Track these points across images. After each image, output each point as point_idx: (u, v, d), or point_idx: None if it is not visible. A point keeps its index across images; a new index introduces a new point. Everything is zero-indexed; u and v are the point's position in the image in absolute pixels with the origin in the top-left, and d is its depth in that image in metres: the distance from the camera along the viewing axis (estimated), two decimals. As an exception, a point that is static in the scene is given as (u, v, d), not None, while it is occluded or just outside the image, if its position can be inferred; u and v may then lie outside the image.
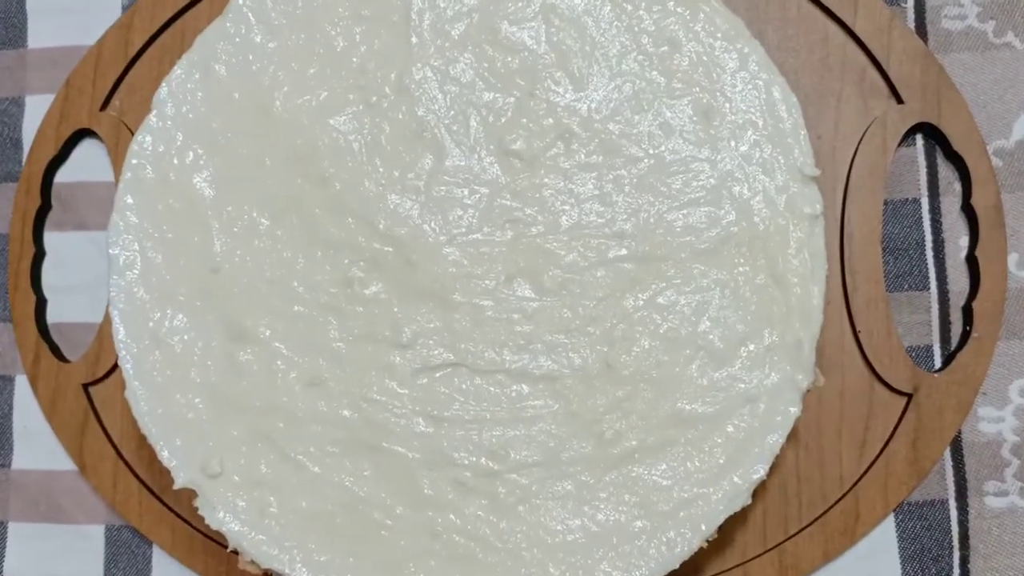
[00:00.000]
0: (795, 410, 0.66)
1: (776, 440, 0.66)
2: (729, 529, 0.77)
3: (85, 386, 0.82)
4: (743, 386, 0.66)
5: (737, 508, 0.66)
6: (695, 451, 0.66)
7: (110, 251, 0.70)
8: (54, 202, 0.85)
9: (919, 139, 0.81)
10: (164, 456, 0.68)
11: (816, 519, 0.76)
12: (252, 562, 0.67)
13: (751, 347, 0.67)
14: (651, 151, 0.68)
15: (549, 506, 0.66)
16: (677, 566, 0.65)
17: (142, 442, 0.81)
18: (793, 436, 0.78)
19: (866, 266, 0.78)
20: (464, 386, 0.68)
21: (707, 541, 0.66)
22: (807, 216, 0.67)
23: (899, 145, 0.80)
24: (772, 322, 0.67)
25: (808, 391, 0.67)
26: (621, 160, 0.68)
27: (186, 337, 0.69)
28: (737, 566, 0.76)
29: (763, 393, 0.66)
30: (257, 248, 0.70)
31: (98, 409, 0.81)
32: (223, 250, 0.70)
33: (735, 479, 0.66)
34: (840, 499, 0.76)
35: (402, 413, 0.68)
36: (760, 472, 0.66)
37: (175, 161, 0.71)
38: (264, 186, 0.70)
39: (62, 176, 0.86)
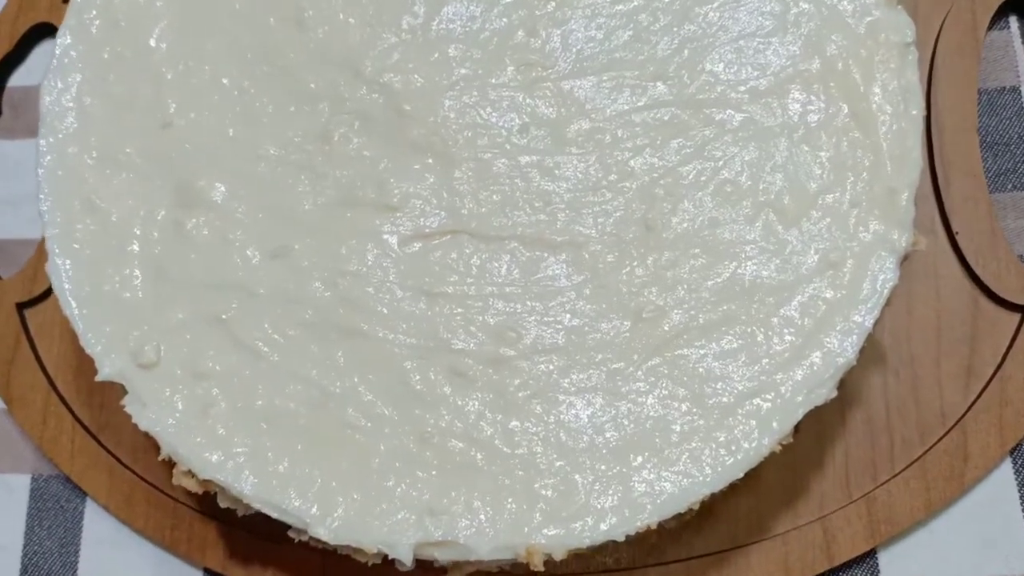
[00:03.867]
0: (890, 276, 0.51)
1: (867, 315, 0.51)
2: (803, 474, 0.61)
3: (20, 307, 0.68)
4: (821, 247, 0.52)
5: (819, 401, 0.50)
6: (761, 330, 0.51)
7: (43, 100, 0.58)
8: (5, 108, 0.74)
9: (1013, 21, 0.68)
10: (87, 340, 0.54)
11: (913, 462, 0.60)
12: (189, 473, 0.52)
13: (829, 199, 0.52)
14: (697, -22, 0.56)
15: (572, 401, 0.51)
16: (740, 475, 0.50)
17: (81, 369, 0.67)
18: (879, 360, 0.62)
19: (961, 157, 0.64)
20: (465, 256, 0.54)
21: (780, 445, 0.50)
22: (895, 45, 0.54)
23: (990, 28, 0.68)
24: (856, 170, 0.53)
25: (906, 258, 0.52)
26: (661, -10, 0.56)
27: (128, 203, 0.56)
28: (814, 521, 0.60)
29: (848, 256, 0.51)
30: (218, 103, 0.57)
31: (33, 335, 0.68)
32: (178, 105, 0.57)
33: (815, 362, 0.50)
34: (943, 437, 0.60)
35: (386, 288, 0.54)
36: (848, 353, 0.50)
37: (127, 3, 0.59)
38: (229, 30, 0.58)
39: (17, 80, 0.75)
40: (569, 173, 0.54)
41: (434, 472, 0.51)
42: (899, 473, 0.60)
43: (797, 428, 0.51)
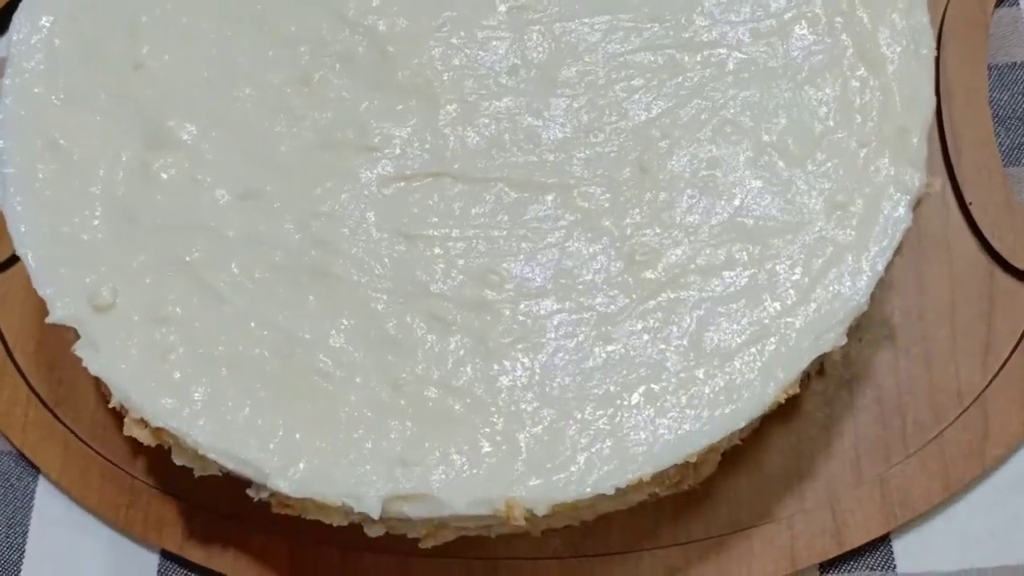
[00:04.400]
0: (903, 217, 0.48)
1: (879, 258, 0.47)
2: (809, 456, 0.56)
3: (-20, 274, 0.65)
4: (828, 187, 0.48)
5: (827, 347, 0.46)
6: (764, 272, 0.47)
7: (10, 39, 0.55)
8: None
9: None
10: (39, 281, 0.50)
11: (929, 441, 0.56)
12: (141, 423, 0.48)
13: (836, 139, 0.49)
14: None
15: (559, 346, 0.47)
16: (741, 425, 0.45)
17: (43, 344, 0.63)
18: (889, 339, 0.58)
19: (973, 128, 0.61)
20: (448, 198, 0.51)
21: (785, 395, 0.46)
22: (903, -12, 0.51)
23: (998, 5, 0.66)
24: (864, 111, 0.49)
25: (919, 202, 0.49)
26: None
27: (93, 143, 0.53)
28: (822, 504, 0.55)
29: (856, 197, 0.48)
30: (193, 46, 0.55)
31: (-7, 303, 0.64)
32: (151, 47, 0.55)
33: (823, 306, 0.46)
34: (960, 415, 0.56)
35: (363, 230, 0.50)
36: (859, 296, 0.47)
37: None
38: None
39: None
40: (560, 115, 0.51)
41: (408, 422, 0.47)
42: (914, 454, 0.56)
43: (804, 383, 0.47)
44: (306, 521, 0.52)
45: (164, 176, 0.52)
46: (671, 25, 0.52)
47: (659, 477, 0.47)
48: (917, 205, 0.49)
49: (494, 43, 0.53)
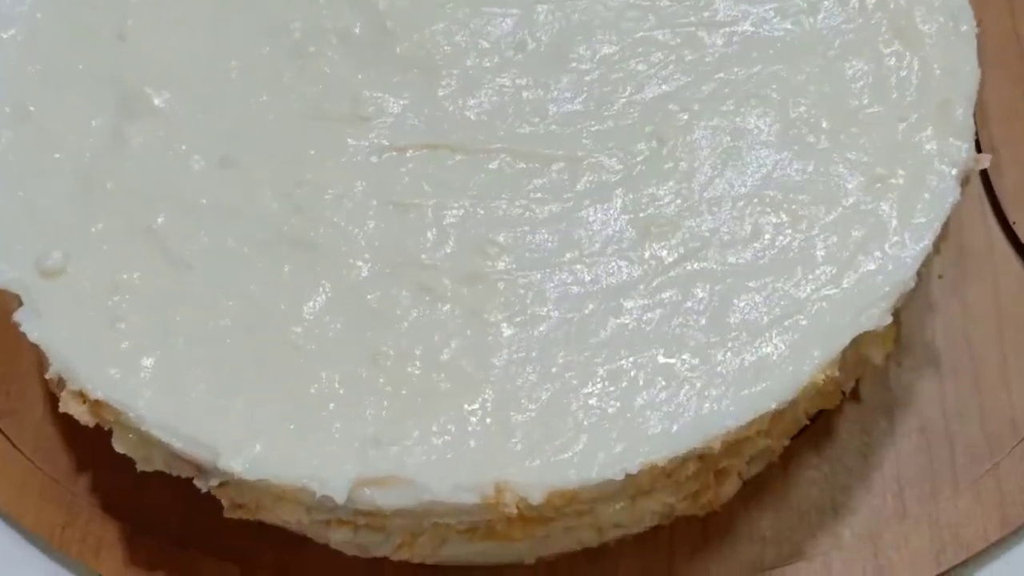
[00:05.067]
0: (951, 189, 0.42)
1: (925, 230, 0.42)
2: (845, 489, 0.50)
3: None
4: (866, 159, 0.44)
5: (870, 325, 0.40)
6: (795, 245, 0.42)
7: (-10, 7, 0.52)
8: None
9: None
10: (-16, 243, 0.45)
11: (984, 474, 0.49)
12: (79, 396, 0.42)
13: (872, 113, 0.45)
14: None
15: (565, 319, 0.41)
16: (772, 407, 0.39)
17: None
18: (931, 361, 0.53)
19: (1012, 146, 0.57)
20: (445, 168, 0.46)
21: (824, 377, 0.40)
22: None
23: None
24: (901, 86, 0.45)
25: (967, 179, 0.44)
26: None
27: (66, 111, 0.49)
28: (862, 540, 0.47)
29: (898, 168, 0.43)
30: (181, 19, 0.51)
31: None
32: (137, 20, 0.51)
33: (864, 279, 0.41)
34: (1017, 445, 0.49)
35: (349, 197, 0.45)
36: (903, 272, 0.41)
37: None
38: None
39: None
40: (570, 88, 0.47)
41: (385, 400, 0.40)
42: (966, 488, 0.49)
43: (839, 404, 0.41)
44: (262, 544, 0.45)
45: (136, 143, 0.48)
46: (691, 5, 0.49)
47: (676, 475, 0.40)
48: (965, 183, 0.44)
49: (500, 20, 0.50)
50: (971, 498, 0.48)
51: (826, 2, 0.48)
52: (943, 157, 0.43)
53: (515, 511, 0.37)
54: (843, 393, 0.50)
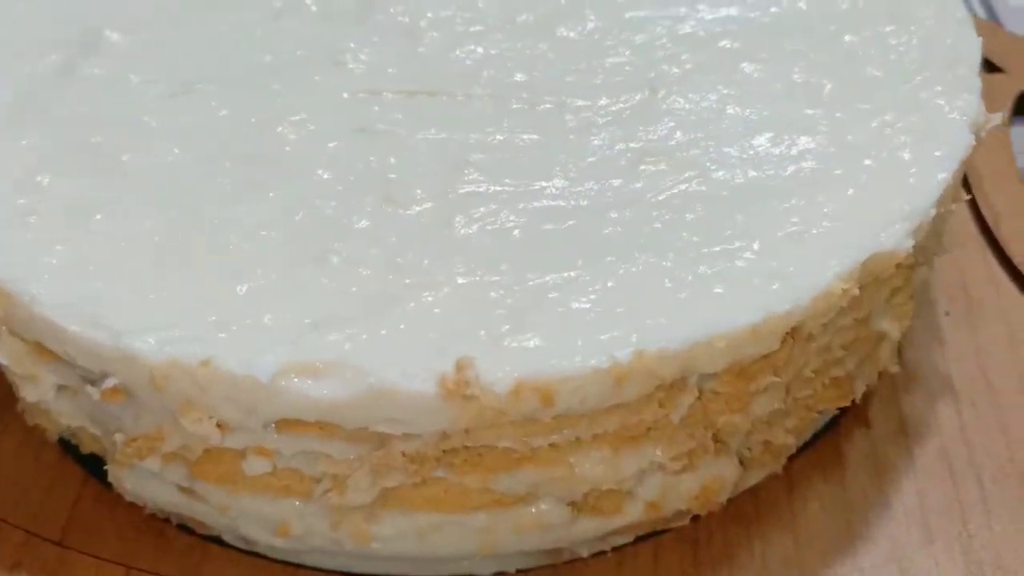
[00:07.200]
0: (963, 133, 0.39)
1: (943, 162, 0.38)
2: (861, 511, 0.42)
3: None
4: (874, 122, 0.40)
5: (889, 244, 0.35)
6: (805, 172, 0.38)
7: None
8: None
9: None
10: None
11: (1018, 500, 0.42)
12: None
13: (876, 75, 0.42)
14: None
15: (538, 228, 0.36)
16: (786, 308, 0.33)
17: None
18: (946, 390, 0.47)
19: (1006, 202, 0.55)
20: (420, 105, 0.42)
21: (843, 288, 0.34)
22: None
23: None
24: (904, 55, 0.43)
25: (980, 138, 0.41)
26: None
27: (19, 46, 0.45)
28: (888, 564, 0.40)
29: (910, 116, 0.40)
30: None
31: None
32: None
33: (881, 202, 0.36)
34: (1052, 470, 0.43)
35: (315, 121, 0.41)
36: (923, 199, 0.37)
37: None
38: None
39: None
40: (558, 48, 0.45)
41: (331, 297, 0.34)
42: (1000, 513, 0.41)
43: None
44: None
45: (88, 74, 0.44)
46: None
47: (669, 404, 0.33)
48: (979, 141, 0.41)
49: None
50: (1008, 521, 0.41)
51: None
52: (953, 109, 0.40)
53: (476, 393, 0.30)
54: (852, 402, 0.44)
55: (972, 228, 0.55)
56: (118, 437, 0.36)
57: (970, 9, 0.72)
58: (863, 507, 0.43)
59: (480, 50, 0.45)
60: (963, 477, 0.44)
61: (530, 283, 0.34)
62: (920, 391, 0.47)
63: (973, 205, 0.56)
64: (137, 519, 0.41)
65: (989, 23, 0.69)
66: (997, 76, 0.64)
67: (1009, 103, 0.62)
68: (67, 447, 0.43)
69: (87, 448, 0.41)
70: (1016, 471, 0.43)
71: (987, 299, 0.51)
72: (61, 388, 0.37)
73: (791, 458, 0.44)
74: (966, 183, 0.57)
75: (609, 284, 0.34)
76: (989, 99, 0.61)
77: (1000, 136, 0.60)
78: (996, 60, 0.65)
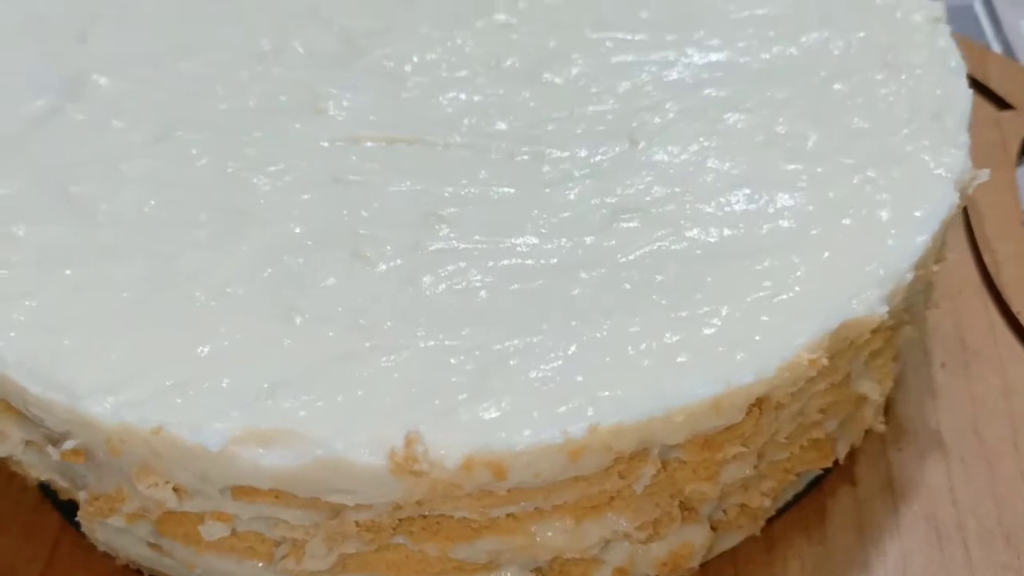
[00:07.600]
0: (947, 190, 0.38)
1: (923, 224, 0.37)
2: (843, 570, 0.41)
3: None
4: (854, 164, 0.39)
5: (860, 311, 0.34)
6: (780, 230, 0.37)
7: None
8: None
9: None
10: None
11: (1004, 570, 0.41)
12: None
13: (863, 127, 0.41)
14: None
15: (504, 289, 0.36)
16: (749, 380, 0.32)
17: None
18: (936, 448, 0.46)
19: (1009, 246, 0.54)
20: (398, 154, 0.42)
21: (810, 360, 0.33)
22: (924, 21, 0.47)
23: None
24: (892, 104, 0.42)
25: (966, 192, 0.40)
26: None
27: (9, 89, 0.46)
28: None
29: (891, 171, 0.39)
30: (143, 24, 0.49)
31: None
32: (100, 19, 0.49)
33: (856, 267, 0.35)
34: (1041, 535, 0.42)
35: (290, 171, 0.41)
36: (901, 262, 0.36)
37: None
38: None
39: None
40: (540, 96, 0.44)
41: (291, 360, 0.34)
42: (985, 579, 0.40)
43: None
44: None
45: (72, 119, 0.44)
46: (671, 41, 0.47)
47: (630, 475, 0.33)
48: (964, 198, 0.40)
49: (475, 43, 0.48)
50: (994, 591, 0.40)
51: (809, 37, 0.46)
52: (938, 164, 0.39)
53: (424, 466, 0.30)
54: (836, 462, 0.43)
55: (973, 274, 0.54)
56: (82, 495, 0.36)
57: (985, 42, 0.71)
58: (846, 568, 0.42)
59: (463, 96, 0.44)
60: (949, 540, 0.43)
61: (492, 348, 0.34)
62: (910, 446, 0.46)
63: (975, 248, 0.55)
64: (112, 567, 0.42)
65: (1003, 58, 0.68)
66: (1007, 113, 0.62)
67: (1018, 142, 0.61)
68: (47, 491, 0.44)
69: (64, 495, 0.41)
70: (1003, 533, 0.42)
71: (985, 349, 0.50)
72: (29, 443, 0.37)
73: (774, 516, 0.43)
74: (968, 224, 0.57)
75: (571, 350, 0.33)
76: (998, 137, 0.61)
77: (1006, 177, 0.58)
78: (1008, 97, 0.63)
